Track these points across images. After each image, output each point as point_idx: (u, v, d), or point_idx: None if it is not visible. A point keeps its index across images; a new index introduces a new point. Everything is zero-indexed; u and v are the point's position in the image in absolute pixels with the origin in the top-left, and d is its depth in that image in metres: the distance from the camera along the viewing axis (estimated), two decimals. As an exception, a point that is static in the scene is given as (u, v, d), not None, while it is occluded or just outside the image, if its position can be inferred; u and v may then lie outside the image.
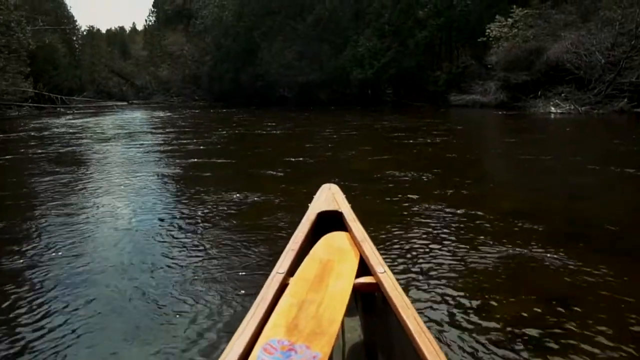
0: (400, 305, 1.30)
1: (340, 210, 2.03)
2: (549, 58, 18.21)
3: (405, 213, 4.01)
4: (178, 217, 4.05)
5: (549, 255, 2.92)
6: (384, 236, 3.34)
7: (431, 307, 2.32)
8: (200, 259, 3.02)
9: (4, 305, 2.41)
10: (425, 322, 1.30)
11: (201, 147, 9.20)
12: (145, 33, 52.86)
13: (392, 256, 2.95)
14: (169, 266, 2.91)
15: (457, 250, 3.10)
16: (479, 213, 3.89)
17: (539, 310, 2.26)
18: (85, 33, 55.67)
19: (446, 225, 3.63)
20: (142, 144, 10.09)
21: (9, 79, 19.70)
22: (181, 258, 3.04)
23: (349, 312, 1.64)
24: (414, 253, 3.04)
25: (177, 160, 7.47)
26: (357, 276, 1.55)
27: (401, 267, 2.80)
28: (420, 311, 2.05)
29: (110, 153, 8.75)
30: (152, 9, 49.53)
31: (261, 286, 1.42)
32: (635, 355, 1.88)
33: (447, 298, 2.41)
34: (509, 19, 20.39)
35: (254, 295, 1.40)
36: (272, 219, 3.84)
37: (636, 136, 10.40)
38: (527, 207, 4.12)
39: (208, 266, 2.88)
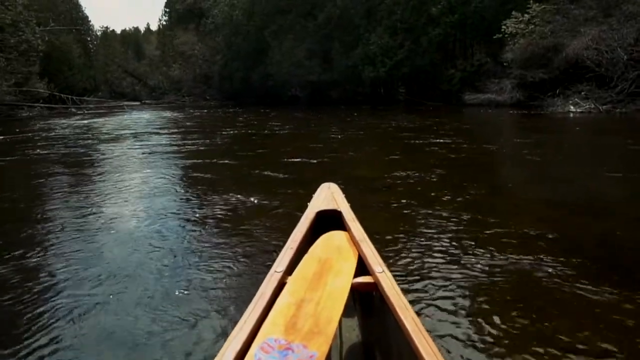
0: (398, 305, 1.30)
1: (339, 210, 2.02)
2: (568, 55, 17.44)
3: (411, 220, 3.76)
4: (188, 216, 4.06)
5: (560, 278, 2.48)
6: (386, 242, 3.14)
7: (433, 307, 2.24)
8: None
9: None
10: (422, 322, 1.27)
11: (204, 149, 9.03)
12: (159, 33, 53.05)
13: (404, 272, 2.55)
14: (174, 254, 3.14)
15: (462, 259, 2.90)
16: (490, 230, 3.45)
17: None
18: (99, 34, 56.32)
19: (456, 238, 3.27)
20: (144, 145, 9.93)
21: (12, 79, 19.59)
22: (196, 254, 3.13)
23: (347, 311, 1.61)
24: (418, 262, 2.83)
25: (179, 162, 7.48)
26: (356, 276, 1.55)
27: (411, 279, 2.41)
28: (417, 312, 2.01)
29: (112, 154, 8.68)
30: (165, 9, 49.63)
31: (259, 284, 1.43)
32: None
33: (449, 304, 2.31)
34: (526, 15, 19.60)
35: (252, 292, 1.40)
36: (272, 221, 3.81)
37: (662, 137, 9.76)
38: (545, 225, 3.62)
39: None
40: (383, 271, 1.50)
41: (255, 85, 32.30)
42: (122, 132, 13.62)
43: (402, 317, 1.24)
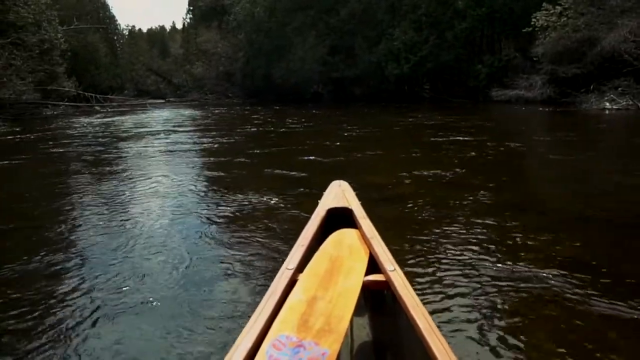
0: (410, 303, 1.29)
1: (350, 207, 2.01)
2: (604, 48, 16.48)
3: (428, 221, 3.49)
4: (200, 215, 4.02)
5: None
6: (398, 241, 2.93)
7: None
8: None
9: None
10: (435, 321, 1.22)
11: (218, 147, 8.93)
12: (183, 31, 53.56)
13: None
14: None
15: (478, 263, 2.76)
16: (511, 240, 3.00)
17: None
18: (125, 32, 57.29)
19: (475, 243, 2.88)
20: (160, 144, 9.89)
21: (29, 77, 19.84)
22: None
23: (358, 309, 1.61)
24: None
25: (194, 160, 7.44)
26: (367, 274, 1.55)
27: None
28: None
29: (128, 152, 8.76)
30: (189, 7, 49.99)
31: (271, 281, 1.44)
32: None
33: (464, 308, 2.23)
34: (558, 7, 18.57)
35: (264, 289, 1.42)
36: (281, 219, 3.78)
37: None
38: (576, 240, 3.15)
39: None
40: (394, 269, 1.49)
41: (277, 82, 32.04)
42: (140, 130, 13.60)
43: (415, 315, 1.23)
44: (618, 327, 2.06)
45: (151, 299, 2.42)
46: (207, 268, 2.82)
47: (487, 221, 3.58)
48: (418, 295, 1.36)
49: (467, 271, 2.65)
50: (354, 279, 1.48)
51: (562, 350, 1.89)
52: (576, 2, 18.35)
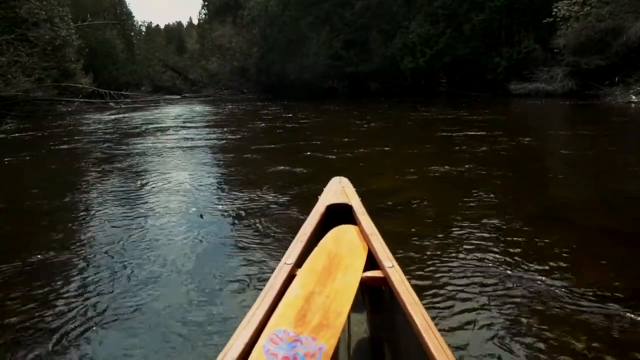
0: (407, 300, 1.30)
1: (349, 204, 2.01)
2: (629, 39, 15.78)
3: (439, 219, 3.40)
4: (206, 211, 4.04)
5: None
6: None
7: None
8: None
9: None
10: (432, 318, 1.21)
11: (228, 143, 8.93)
12: (198, 27, 53.63)
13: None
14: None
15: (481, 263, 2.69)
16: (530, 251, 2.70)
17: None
18: (142, 28, 57.76)
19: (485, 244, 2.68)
20: (170, 139, 9.90)
21: (34, 74, 19.86)
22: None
23: (356, 305, 1.55)
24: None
25: (203, 156, 7.47)
26: (365, 270, 1.54)
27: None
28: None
29: (138, 148, 8.71)
30: (203, 2, 49.94)
31: (269, 275, 1.45)
32: None
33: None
34: (581, -4, 17.93)
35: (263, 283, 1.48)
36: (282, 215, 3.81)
37: None
38: (602, 255, 2.81)
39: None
40: (393, 266, 1.49)
41: (292, 77, 31.70)
42: (152, 126, 13.52)
43: (412, 312, 1.24)
44: None
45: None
46: (212, 269, 2.82)
47: (492, 221, 3.43)
48: (416, 291, 1.35)
49: (468, 271, 2.60)
50: (352, 274, 1.48)
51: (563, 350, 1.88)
52: (600, -10, 17.60)
